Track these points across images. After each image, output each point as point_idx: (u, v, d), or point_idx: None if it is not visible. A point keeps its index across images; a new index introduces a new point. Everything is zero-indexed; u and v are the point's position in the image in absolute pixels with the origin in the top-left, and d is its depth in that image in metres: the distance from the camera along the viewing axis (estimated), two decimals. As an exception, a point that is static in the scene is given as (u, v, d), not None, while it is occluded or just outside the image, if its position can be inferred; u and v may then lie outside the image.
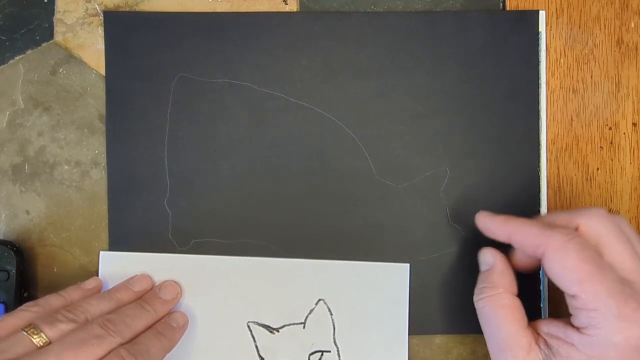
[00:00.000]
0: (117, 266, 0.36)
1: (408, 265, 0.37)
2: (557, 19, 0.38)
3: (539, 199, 0.38)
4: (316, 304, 0.37)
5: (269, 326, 0.36)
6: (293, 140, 0.37)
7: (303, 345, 0.36)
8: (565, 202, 0.38)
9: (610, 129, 0.38)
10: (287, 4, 0.38)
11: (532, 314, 0.38)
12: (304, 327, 0.36)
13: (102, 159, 0.37)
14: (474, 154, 0.38)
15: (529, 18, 0.38)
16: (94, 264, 0.37)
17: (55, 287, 0.37)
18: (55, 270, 0.37)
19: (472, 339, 0.38)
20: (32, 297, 0.37)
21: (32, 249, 0.37)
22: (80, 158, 0.37)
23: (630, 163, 0.38)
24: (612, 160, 0.38)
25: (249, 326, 0.36)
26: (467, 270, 0.37)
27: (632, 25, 0.39)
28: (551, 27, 0.38)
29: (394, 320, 0.36)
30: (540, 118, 0.38)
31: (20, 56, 0.37)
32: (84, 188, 0.37)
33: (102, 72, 0.37)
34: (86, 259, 0.37)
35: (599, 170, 0.38)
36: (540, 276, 0.37)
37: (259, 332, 0.36)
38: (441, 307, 0.37)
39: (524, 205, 0.38)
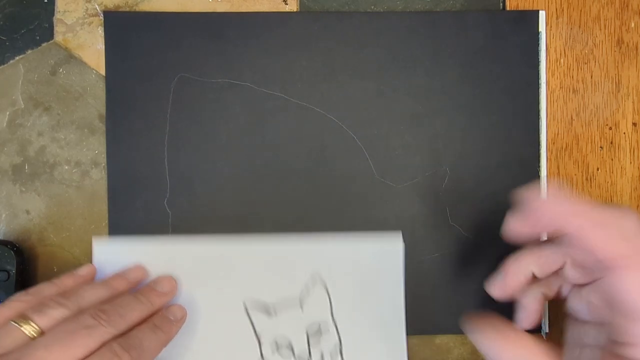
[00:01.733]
0: (110, 253, 0.36)
1: (400, 233, 0.37)
2: (557, 19, 0.38)
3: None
4: (312, 280, 0.37)
5: (265, 305, 0.36)
6: (293, 140, 0.37)
7: (301, 322, 0.36)
8: (565, 202, 0.38)
9: (610, 129, 0.38)
10: (287, 4, 0.38)
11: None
12: (300, 304, 0.36)
13: (102, 159, 0.37)
14: (474, 154, 0.38)
15: (529, 18, 0.38)
16: (94, 264, 0.37)
17: (55, 287, 0.37)
18: (55, 270, 0.37)
19: (472, 339, 0.38)
20: (32, 297, 0.37)
21: (32, 249, 0.37)
22: (80, 158, 0.37)
23: (630, 163, 0.38)
24: (612, 160, 0.38)
25: (245, 308, 0.36)
26: (467, 270, 0.37)
27: (632, 25, 0.39)
28: (551, 27, 0.38)
29: (390, 290, 0.36)
30: (540, 118, 0.38)
31: (20, 56, 0.37)
32: (84, 188, 0.37)
33: (102, 72, 0.37)
34: (86, 259, 0.37)
35: (599, 170, 0.38)
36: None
37: (256, 313, 0.36)
38: (441, 307, 0.37)
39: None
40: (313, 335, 0.36)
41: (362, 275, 0.36)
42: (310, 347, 0.36)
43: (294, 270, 0.36)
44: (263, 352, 0.36)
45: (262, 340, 0.36)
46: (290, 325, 0.36)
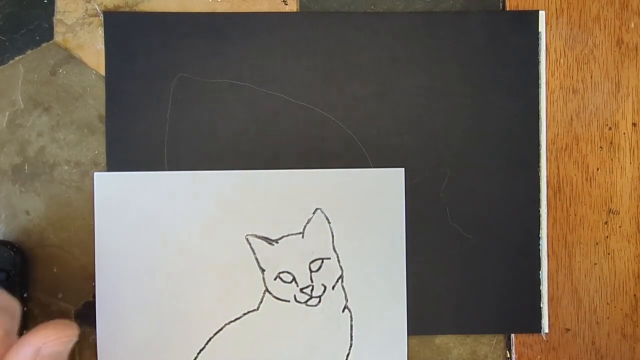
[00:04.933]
0: (112, 187, 0.36)
1: (402, 169, 0.37)
2: (557, 19, 0.38)
3: (539, 199, 0.38)
4: (314, 213, 0.37)
5: (267, 238, 0.37)
6: (293, 140, 0.37)
7: (303, 254, 0.37)
8: (565, 202, 0.38)
9: (610, 129, 0.38)
10: (287, 4, 0.38)
11: (532, 314, 0.38)
12: (302, 236, 0.37)
13: (102, 159, 0.37)
14: (474, 154, 0.38)
15: (529, 18, 0.38)
16: (94, 264, 0.37)
17: (55, 287, 0.37)
18: (55, 270, 0.37)
19: (472, 339, 0.38)
20: (32, 297, 0.37)
21: (32, 249, 0.37)
22: (80, 158, 0.37)
23: (630, 163, 0.38)
24: (612, 160, 0.38)
25: (247, 239, 0.37)
26: (467, 270, 0.37)
27: (632, 25, 0.39)
28: (551, 27, 0.38)
29: (391, 224, 0.37)
30: (540, 118, 0.38)
31: (20, 56, 0.37)
32: (84, 188, 0.37)
33: (102, 72, 0.37)
34: (86, 259, 0.37)
35: (599, 170, 0.38)
36: (540, 276, 0.37)
37: (258, 244, 0.37)
38: (441, 307, 0.37)
39: (524, 205, 0.38)
40: (315, 266, 0.36)
41: (364, 205, 0.37)
42: (313, 278, 0.36)
43: (296, 204, 0.37)
44: (267, 283, 0.36)
45: (265, 271, 0.36)
46: (292, 257, 0.36)
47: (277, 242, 0.36)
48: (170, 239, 0.36)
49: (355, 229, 0.37)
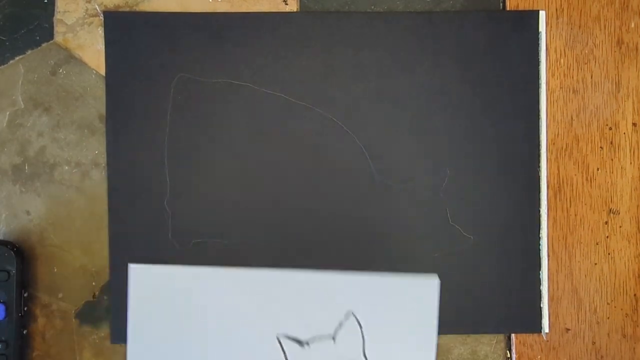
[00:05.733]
0: (145, 279, 0.35)
1: (437, 278, 0.35)
2: (557, 19, 0.38)
3: (539, 199, 0.38)
4: (346, 317, 0.36)
5: (299, 340, 0.36)
6: (293, 140, 0.37)
7: (333, 358, 0.36)
8: (565, 202, 0.38)
9: (610, 129, 0.38)
10: (287, 4, 0.38)
11: (532, 314, 0.38)
12: (334, 340, 0.36)
13: (102, 160, 0.37)
14: (474, 154, 0.38)
15: (529, 18, 0.38)
16: (94, 264, 0.37)
17: (55, 287, 0.37)
18: (55, 270, 0.37)
19: (472, 339, 0.38)
20: (32, 297, 0.37)
21: (32, 249, 0.37)
22: (80, 158, 0.37)
23: (630, 163, 0.38)
24: (612, 160, 0.38)
25: (279, 340, 0.36)
26: (467, 270, 0.37)
27: (632, 25, 0.39)
28: (551, 27, 0.38)
29: (422, 333, 0.36)
30: (540, 118, 0.38)
31: (20, 56, 0.37)
32: (84, 189, 0.37)
33: (102, 72, 0.37)
34: (86, 259, 0.37)
35: (599, 170, 0.38)
36: (540, 276, 0.37)
37: (290, 345, 0.36)
38: (441, 307, 0.37)
39: (524, 205, 0.38)
40: None
41: (396, 314, 0.36)
42: None
43: (328, 306, 0.36)
44: None
45: None
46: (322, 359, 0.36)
47: (308, 345, 0.36)
48: (200, 335, 0.35)
49: (386, 335, 0.36)
